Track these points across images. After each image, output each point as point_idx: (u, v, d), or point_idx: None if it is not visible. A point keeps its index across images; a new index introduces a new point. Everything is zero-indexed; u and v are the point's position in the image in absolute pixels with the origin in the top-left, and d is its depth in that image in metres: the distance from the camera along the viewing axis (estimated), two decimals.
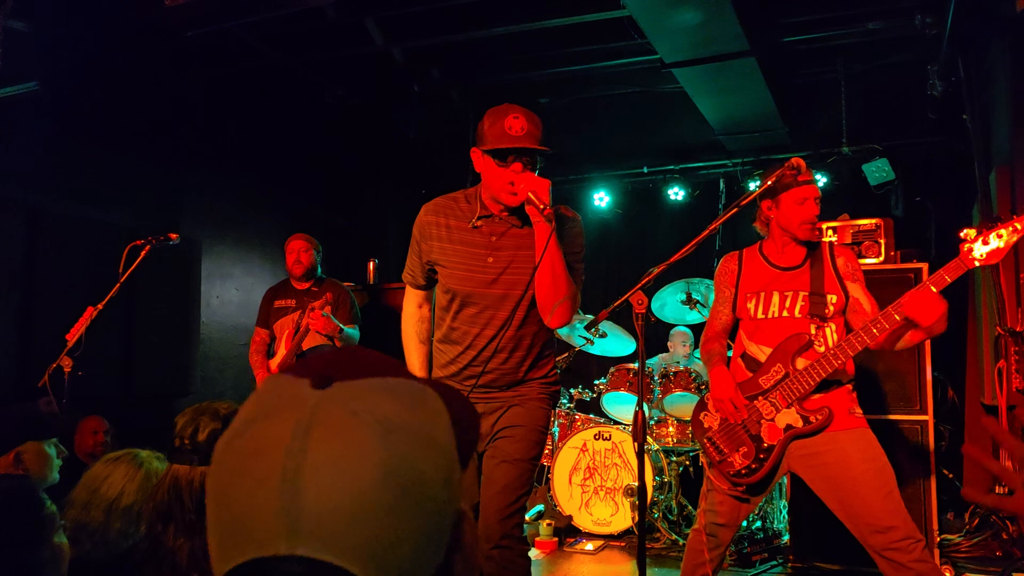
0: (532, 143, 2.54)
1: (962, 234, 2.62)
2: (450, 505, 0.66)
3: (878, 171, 6.20)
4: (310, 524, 0.58)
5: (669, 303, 5.89)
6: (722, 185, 7.13)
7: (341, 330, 4.56)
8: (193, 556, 1.78)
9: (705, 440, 3.05)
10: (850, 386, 2.91)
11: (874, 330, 2.71)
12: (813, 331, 2.87)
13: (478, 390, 2.76)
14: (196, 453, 1.83)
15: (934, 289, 2.59)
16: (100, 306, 3.53)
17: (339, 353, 0.71)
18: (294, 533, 0.58)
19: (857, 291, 2.90)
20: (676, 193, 7.23)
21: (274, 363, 4.74)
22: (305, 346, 4.63)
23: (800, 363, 2.86)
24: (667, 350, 6.16)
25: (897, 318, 2.67)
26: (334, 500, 0.59)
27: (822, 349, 2.84)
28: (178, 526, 1.79)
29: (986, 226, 2.61)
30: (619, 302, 2.52)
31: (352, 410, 0.63)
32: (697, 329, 6.01)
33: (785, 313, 2.91)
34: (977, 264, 2.59)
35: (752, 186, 6.80)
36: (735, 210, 2.61)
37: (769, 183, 2.80)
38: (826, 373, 2.79)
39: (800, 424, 2.84)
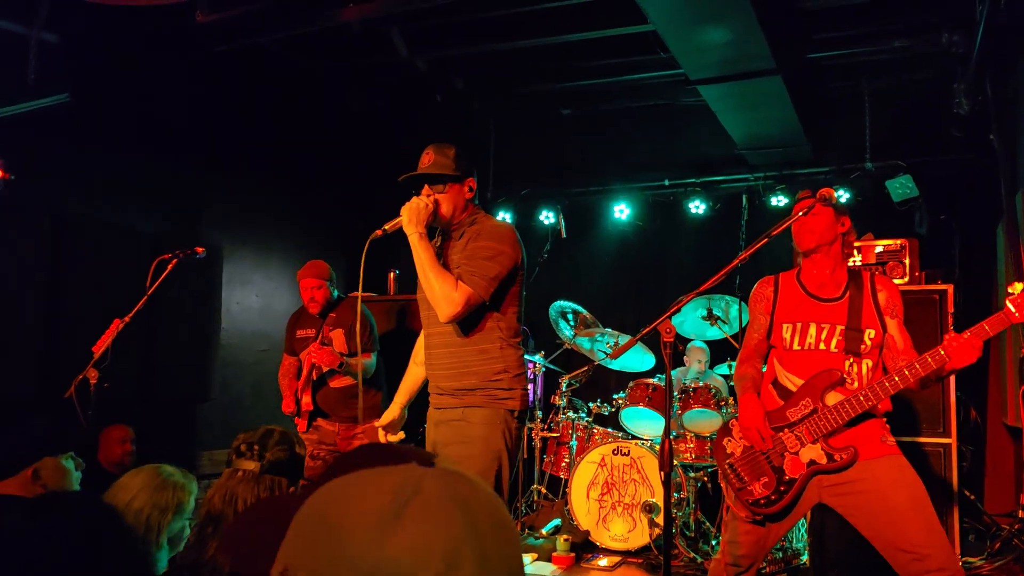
0: (431, 170, 2.89)
1: (1010, 288, 2.59)
2: None
3: (902, 187, 6.15)
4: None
5: (689, 319, 5.87)
6: (744, 200, 7.08)
7: (343, 362, 4.51)
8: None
9: (726, 466, 3.02)
10: (884, 419, 2.88)
11: (907, 373, 2.68)
12: (847, 367, 2.84)
13: (433, 396, 2.99)
14: (261, 461, 1.99)
15: (976, 341, 2.58)
16: (127, 319, 3.56)
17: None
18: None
19: (894, 328, 2.88)
20: (697, 207, 7.18)
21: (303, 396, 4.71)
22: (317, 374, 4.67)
23: (830, 399, 2.82)
24: (683, 364, 6.14)
25: (933, 364, 2.65)
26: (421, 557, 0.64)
27: (855, 386, 2.81)
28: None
29: None
30: (647, 330, 2.53)
31: (447, 489, 0.69)
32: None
33: (822, 346, 2.88)
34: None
35: (774, 201, 6.79)
36: (765, 240, 2.61)
37: (787, 224, 2.85)
38: (855, 413, 2.75)
39: (824, 461, 2.81)
